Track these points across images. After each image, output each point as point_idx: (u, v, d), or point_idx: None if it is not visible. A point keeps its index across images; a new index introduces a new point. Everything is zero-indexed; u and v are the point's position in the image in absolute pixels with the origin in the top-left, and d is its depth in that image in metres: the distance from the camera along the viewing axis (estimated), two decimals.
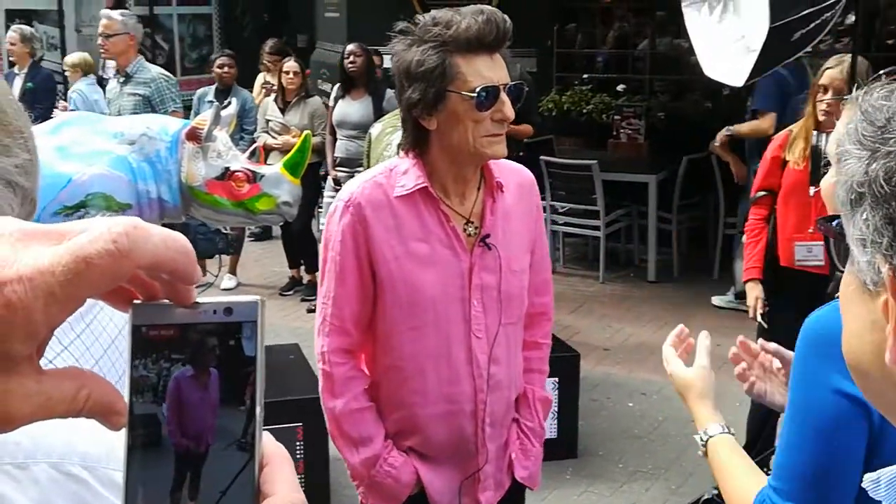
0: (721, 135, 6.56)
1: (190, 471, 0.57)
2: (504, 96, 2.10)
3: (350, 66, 6.76)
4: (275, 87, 7.57)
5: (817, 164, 3.55)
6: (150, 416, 0.57)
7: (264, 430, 0.59)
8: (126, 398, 0.57)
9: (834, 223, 0.85)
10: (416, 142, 2.16)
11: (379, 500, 2.33)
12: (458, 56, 2.05)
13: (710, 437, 1.77)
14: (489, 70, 2.09)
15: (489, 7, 2.10)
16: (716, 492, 3.44)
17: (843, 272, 0.83)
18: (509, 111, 2.10)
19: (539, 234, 2.39)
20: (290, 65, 7.31)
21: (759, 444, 3.61)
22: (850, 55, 3.82)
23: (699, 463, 4.72)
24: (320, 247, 2.26)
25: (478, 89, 2.06)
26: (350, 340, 2.25)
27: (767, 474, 3.91)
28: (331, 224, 2.21)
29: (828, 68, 3.88)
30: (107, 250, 0.51)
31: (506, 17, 2.09)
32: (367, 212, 2.15)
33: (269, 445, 0.59)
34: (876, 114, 0.73)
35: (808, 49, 4.32)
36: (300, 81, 7.29)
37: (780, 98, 5.96)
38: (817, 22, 3.61)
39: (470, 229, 2.22)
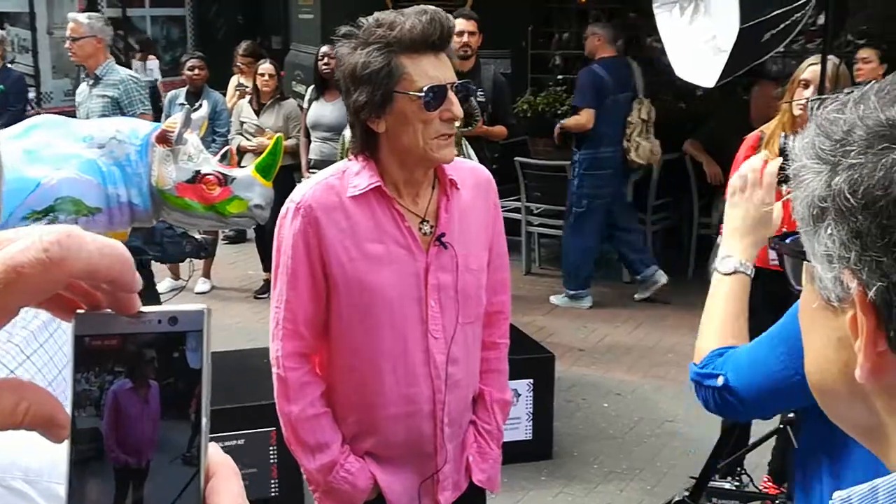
0: (556, 129, 7.17)
1: (132, 486, 0.56)
2: (452, 95, 2.09)
3: (324, 67, 6.73)
4: (249, 90, 7.53)
5: (787, 164, 3.56)
6: (92, 430, 0.56)
7: (211, 440, 0.58)
8: (69, 411, 0.56)
9: (789, 240, 0.84)
10: (366, 145, 2.14)
11: None
12: (404, 56, 2.04)
13: (718, 270, 1.83)
14: (435, 69, 2.07)
15: (432, 7, 2.09)
16: (687, 493, 3.45)
17: (800, 291, 0.82)
18: (458, 110, 2.10)
19: (497, 232, 2.37)
20: (266, 67, 7.28)
21: (730, 442, 3.61)
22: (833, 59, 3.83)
23: (674, 463, 4.75)
24: (273, 250, 2.23)
25: (425, 89, 2.05)
26: (304, 344, 2.23)
27: (738, 475, 3.91)
28: (282, 227, 2.18)
29: (812, 64, 3.86)
30: (38, 259, 0.50)
31: (448, 16, 2.09)
32: (319, 214, 2.13)
33: (215, 457, 0.58)
34: (832, 127, 0.72)
35: (780, 49, 4.34)
36: (275, 83, 7.27)
37: (596, 95, 6.62)
38: (787, 22, 3.63)
39: (425, 228, 2.20)
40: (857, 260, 0.69)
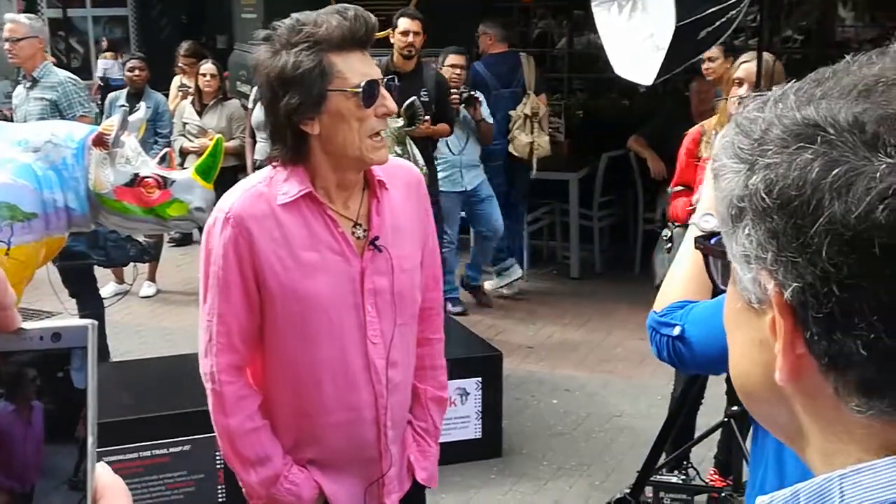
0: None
1: None
2: (384, 91, 2.08)
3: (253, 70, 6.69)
4: (191, 90, 7.45)
5: None
6: None
7: (99, 462, 0.56)
8: None
9: (713, 241, 0.83)
10: (297, 151, 2.08)
11: None
12: (333, 54, 2.01)
13: (698, 226, 1.84)
14: (365, 66, 2.06)
15: (351, 5, 2.07)
16: (627, 491, 3.48)
17: (724, 291, 0.81)
18: (392, 104, 2.08)
19: (429, 230, 2.36)
20: (207, 67, 7.20)
21: (670, 434, 3.65)
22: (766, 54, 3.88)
23: (621, 458, 4.78)
24: (201, 261, 2.16)
25: (362, 84, 2.02)
26: (238, 357, 2.17)
27: (685, 469, 3.94)
28: (211, 237, 2.12)
29: (744, 62, 3.92)
30: None
31: (369, 13, 2.07)
32: (250, 223, 2.08)
33: (103, 478, 0.56)
34: (751, 126, 0.72)
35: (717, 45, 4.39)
36: (217, 84, 7.19)
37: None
38: (723, 20, 3.66)
39: (358, 232, 2.17)
40: (773, 260, 0.68)
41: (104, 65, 10.48)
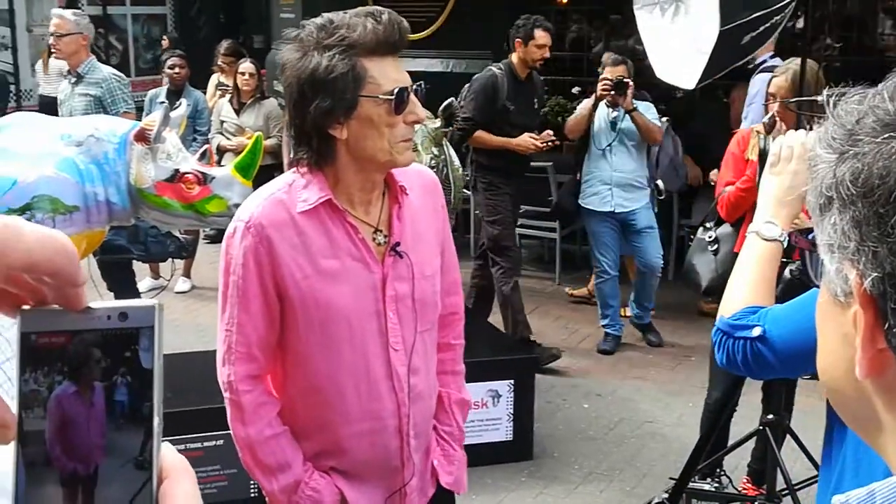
0: None
1: (81, 491, 0.54)
2: (414, 98, 2.05)
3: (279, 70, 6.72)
4: (230, 89, 7.50)
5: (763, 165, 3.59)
6: (41, 432, 0.54)
7: (164, 442, 0.57)
8: (15, 411, 0.54)
9: (809, 235, 0.83)
10: (322, 155, 2.05)
11: None
12: (366, 59, 1.97)
13: (759, 235, 1.85)
14: (397, 72, 2.03)
15: (380, 8, 2.03)
16: (666, 495, 3.46)
17: (818, 286, 0.80)
18: (421, 112, 2.06)
19: (447, 234, 2.33)
20: (246, 66, 7.24)
21: (709, 443, 3.62)
22: (796, 61, 3.85)
23: (654, 464, 4.76)
24: (220, 270, 2.13)
25: (394, 91, 1.99)
26: (257, 366, 2.14)
27: (718, 476, 3.92)
28: (230, 247, 2.09)
29: (775, 76, 3.92)
30: None
31: (401, 18, 2.03)
32: (270, 232, 2.04)
33: (168, 458, 0.57)
34: (846, 117, 0.72)
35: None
36: (255, 83, 7.23)
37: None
38: (767, 25, 3.64)
39: (379, 238, 2.14)
40: (855, 249, 0.68)
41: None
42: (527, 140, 5.91)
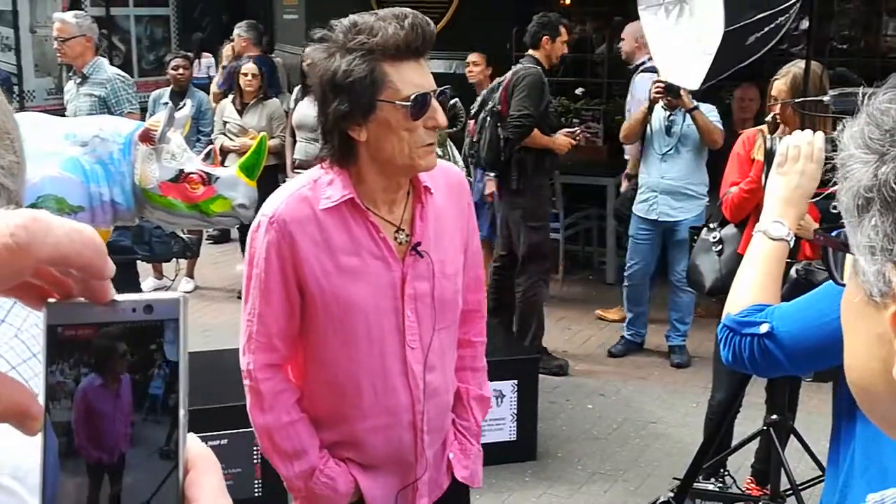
0: None
1: (108, 481, 0.55)
2: (435, 103, 2.05)
3: (307, 68, 6.73)
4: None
5: (771, 165, 3.58)
6: (67, 423, 0.55)
7: (190, 433, 0.57)
8: (42, 403, 0.54)
9: (834, 233, 0.82)
10: (344, 154, 2.08)
11: None
12: (387, 64, 1.98)
13: (767, 234, 1.85)
14: (419, 77, 2.02)
15: (410, 10, 2.02)
16: (672, 494, 3.46)
17: (843, 285, 0.80)
18: (442, 118, 2.05)
19: (472, 232, 2.34)
20: (249, 66, 7.25)
21: (714, 444, 3.62)
22: (797, 64, 3.85)
23: (658, 464, 4.76)
24: (244, 263, 2.17)
25: (411, 98, 1.99)
26: (277, 356, 2.18)
27: (722, 476, 3.92)
28: (255, 241, 2.12)
29: (776, 79, 3.92)
30: (4, 244, 0.49)
31: (428, 20, 2.03)
32: (293, 227, 2.07)
33: (194, 449, 0.57)
34: (882, 117, 0.71)
35: (763, 52, 4.36)
36: (258, 83, 7.24)
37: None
38: (771, 26, 3.63)
39: (401, 237, 2.16)
40: None
41: (207, 63, 10.48)
42: (565, 139, 5.82)
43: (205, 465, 0.57)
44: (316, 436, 2.23)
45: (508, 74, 5.84)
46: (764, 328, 1.70)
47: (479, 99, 6.00)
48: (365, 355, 2.16)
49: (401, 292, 2.15)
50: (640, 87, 6.22)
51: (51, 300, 0.55)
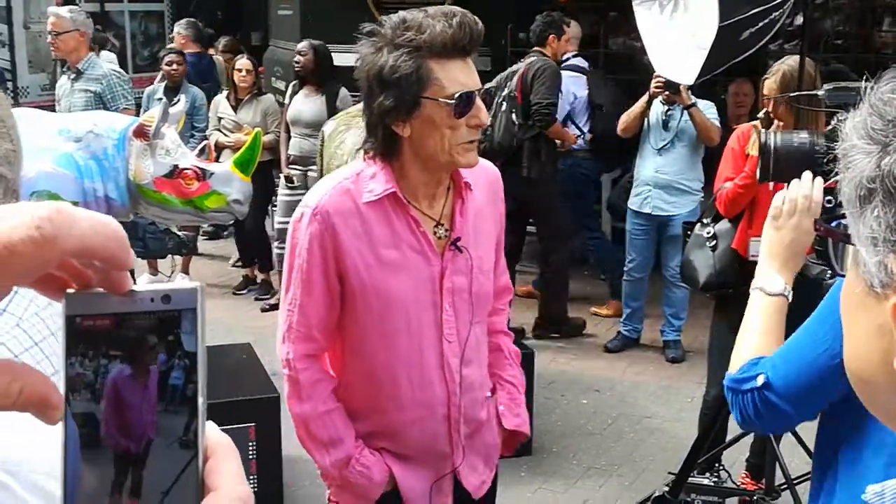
0: None
1: (130, 470, 0.55)
2: (479, 102, 2.07)
3: (295, 64, 6.74)
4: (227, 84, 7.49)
5: (766, 160, 3.58)
6: (88, 414, 0.55)
7: (209, 421, 0.57)
8: (62, 394, 0.55)
9: (834, 224, 0.82)
10: (387, 148, 2.11)
11: (351, 499, 2.31)
12: (433, 61, 2.01)
13: (763, 290, 1.84)
14: (464, 75, 2.05)
15: (459, 9, 2.05)
16: (667, 489, 3.46)
17: (842, 276, 0.80)
18: (485, 117, 2.08)
19: (502, 224, 2.40)
20: (243, 62, 7.23)
21: (708, 439, 3.63)
22: (786, 62, 3.85)
23: (652, 459, 4.76)
24: (286, 252, 2.21)
25: (456, 96, 2.02)
26: (315, 346, 2.22)
27: (716, 471, 3.91)
28: (297, 231, 2.16)
29: (765, 79, 3.92)
30: (30, 237, 0.49)
31: (477, 19, 2.05)
32: (335, 219, 2.11)
33: (213, 436, 0.58)
34: (885, 108, 0.71)
35: (758, 48, 4.36)
36: (253, 79, 7.22)
37: None
38: (766, 21, 3.63)
39: (440, 232, 2.20)
40: None
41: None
42: (572, 135, 6.23)
43: (224, 452, 0.57)
44: (351, 425, 2.26)
45: (522, 65, 6.07)
46: (760, 380, 1.67)
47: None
48: (403, 348, 2.20)
49: (439, 286, 2.19)
50: (565, 83, 6.49)
51: (70, 290, 0.56)
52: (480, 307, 2.27)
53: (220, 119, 7.21)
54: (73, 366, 0.55)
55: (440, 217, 2.20)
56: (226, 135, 7.11)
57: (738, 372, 1.75)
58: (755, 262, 1.97)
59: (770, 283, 1.83)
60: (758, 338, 1.78)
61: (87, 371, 0.55)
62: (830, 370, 1.49)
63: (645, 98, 5.89)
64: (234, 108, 7.18)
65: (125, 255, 0.54)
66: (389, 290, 2.15)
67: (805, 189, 1.91)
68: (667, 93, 5.65)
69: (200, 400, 0.56)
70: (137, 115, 5.30)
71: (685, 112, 5.75)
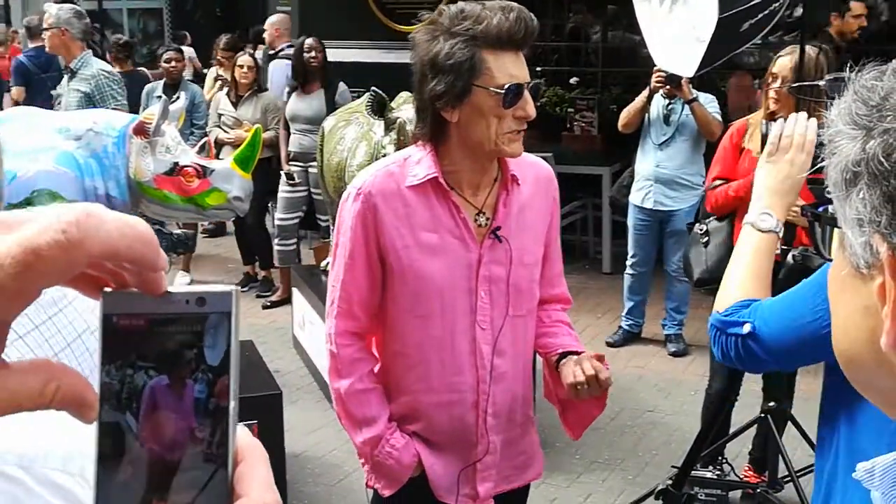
0: None
1: (162, 476, 0.55)
2: (527, 95, 2.14)
3: (311, 60, 6.71)
4: (228, 82, 7.48)
5: None
6: (118, 421, 0.55)
7: (239, 424, 0.57)
8: (97, 392, 0.54)
9: (820, 209, 0.84)
10: (435, 133, 2.18)
11: (382, 479, 2.36)
12: (487, 51, 2.07)
13: (755, 226, 1.84)
14: (515, 68, 2.11)
15: (517, 4, 2.12)
16: (670, 482, 3.46)
17: (829, 259, 0.81)
18: (532, 110, 2.14)
19: (554, 227, 2.42)
20: (244, 59, 7.22)
21: (711, 433, 3.63)
22: (807, 47, 3.83)
23: (656, 452, 4.76)
24: (332, 231, 2.29)
25: (507, 86, 2.08)
26: (357, 324, 2.29)
27: (720, 464, 3.92)
28: (343, 210, 2.25)
29: (780, 56, 3.89)
30: (56, 241, 0.49)
31: (532, 16, 2.11)
32: (378, 200, 2.19)
33: (243, 440, 0.57)
34: (869, 94, 0.73)
35: (758, 40, 4.35)
36: (253, 76, 7.22)
37: (20, 77, 8.16)
38: (765, 12, 3.63)
39: (481, 220, 2.24)
40: (887, 224, 0.69)
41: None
42: None
43: (254, 457, 0.57)
44: (386, 407, 2.32)
45: None
46: (746, 328, 1.69)
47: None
48: (436, 331, 2.25)
49: (476, 273, 2.24)
50: (277, 73, 6.83)
51: (106, 289, 0.56)
52: (519, 300, 2.29)
53: (220, 116, 7.21)
54: (108, 365, 0.55)
55: (483, 206, 2.25)
56: (226, 131, 7.11)
57: (724, 313, 1.76)
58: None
59: (762, 218, 1.85)
60: (746, 278, 1.80)
61: (122, 371, 0.55)
62: (818, 339, 1.51)
63: (646, 93, 5.86)
64: (235, 105, 7.17)
65: (154, 256, 0.54)
66: (425, 272, 2.21)
67: (802, 124, 1.92)
68: (668, 87, 5.63)
69: (233, 404, 0.55)
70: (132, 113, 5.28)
71: (686, 106, 5.72)
